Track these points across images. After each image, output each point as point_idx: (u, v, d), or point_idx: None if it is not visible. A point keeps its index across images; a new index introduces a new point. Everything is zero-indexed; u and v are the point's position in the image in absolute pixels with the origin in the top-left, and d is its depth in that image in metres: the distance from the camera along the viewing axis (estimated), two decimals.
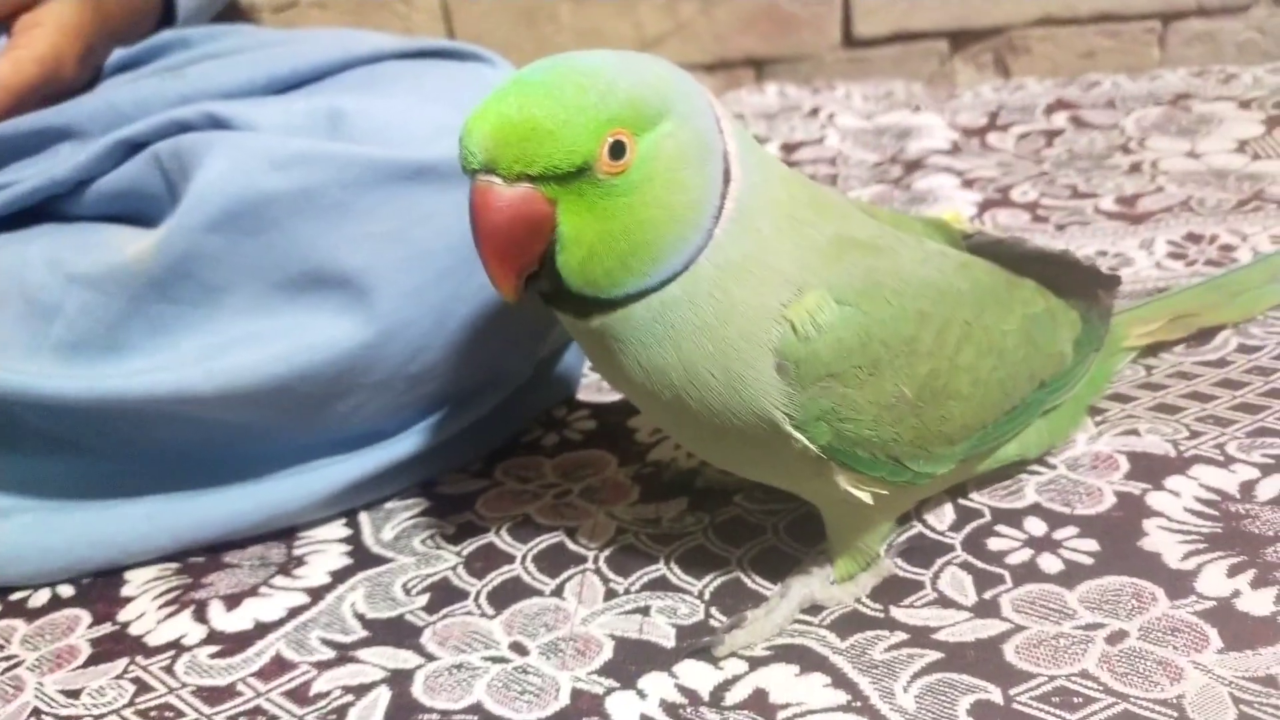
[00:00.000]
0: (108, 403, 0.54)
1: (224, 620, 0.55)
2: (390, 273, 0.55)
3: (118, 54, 0.76)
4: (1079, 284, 0.57)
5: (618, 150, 0.39)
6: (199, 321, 0.55)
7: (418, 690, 0.49)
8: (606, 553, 0.57)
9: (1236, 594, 0.48)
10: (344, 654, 0.52)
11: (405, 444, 0.61)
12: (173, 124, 0.57)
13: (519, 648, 0.51)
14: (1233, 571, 0.49)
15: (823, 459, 0.44)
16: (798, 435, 0.43)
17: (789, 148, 1.08)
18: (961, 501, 0.57)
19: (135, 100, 0.62)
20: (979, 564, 0.52)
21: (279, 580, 0.58)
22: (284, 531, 0.61)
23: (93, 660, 0.54)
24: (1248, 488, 0.54)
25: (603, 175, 0.39)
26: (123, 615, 0.57)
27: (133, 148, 0.59)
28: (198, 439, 0.58)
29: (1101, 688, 0.44)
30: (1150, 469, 0.57)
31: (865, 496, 0.46)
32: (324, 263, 0.55)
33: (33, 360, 0.56)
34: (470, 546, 0.59)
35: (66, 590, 0.59)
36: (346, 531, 0.61)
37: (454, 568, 0.57)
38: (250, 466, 0.59)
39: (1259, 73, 1.07)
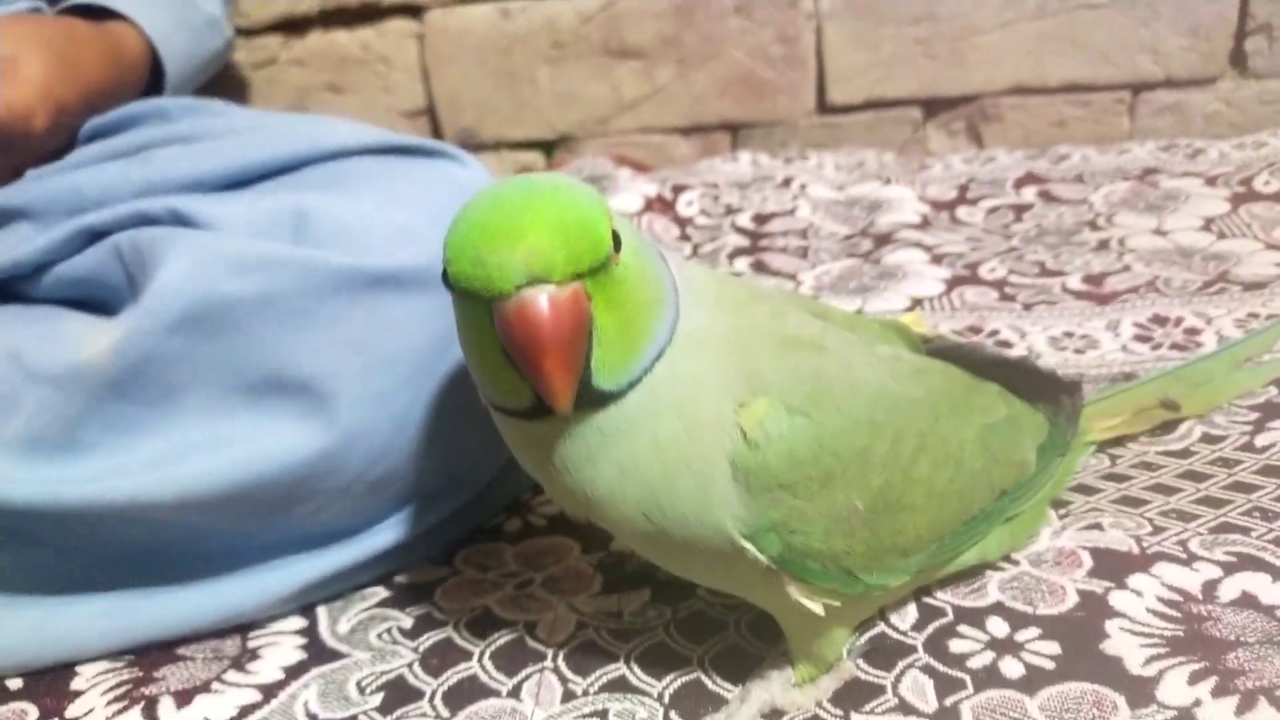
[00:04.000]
0: (63, 507, 0.53)
1: (174, 719, 0.54)
2: (351, 380, 0.55)
3: (94, 120, 0.76)
4: (1042, 388, 0.57)
5: (616, 240, 0.40)
6: (157, 422, 0.55)
7: None
8: (566, 650, 0.56)
9: (1198, 703, 0.47)
10: None
11: (366, 544, 0.60)
12: (135, 216, 0.57)
13: None
14: (1194, 679, 0.48)
15: (773, 569, 0.44)
16: (748, 545, 0.43)
17: (761, 218, 1.08)
18: (924, 599, 0.56)
19: (100, 185, 0.62)
20: (940, 667, 0.51)
21: (232, 675, 0.57)
22: None
23: None
24: (1210, 588, 0.54)
25: (613, 265, 0.40)
26: (71, 711, 0.55)
27: (94, 235, 0.58)
28: (154, 537, 0.57)
29: None
30: (1113, 566, 0.56)
31: (817, 607, 0.46)
32: (284, 368, 0.54)
33: None
34: (427, 641, 0.58)
35: (14, 683, 0.58)
36: (302, 622, 0.60)
37: (410, 665, 0.56)
38: (208, 565, 0.58)
39: (1225, 148, 1.09)
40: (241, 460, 0.54)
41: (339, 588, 0.62)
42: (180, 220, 0.57)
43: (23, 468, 0.54)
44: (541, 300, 0.37)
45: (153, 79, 0.92)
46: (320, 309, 0.54)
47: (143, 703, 0.55)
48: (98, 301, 0.59)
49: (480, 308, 0.39)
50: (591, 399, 0.41)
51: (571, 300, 0.38)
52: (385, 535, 0.61)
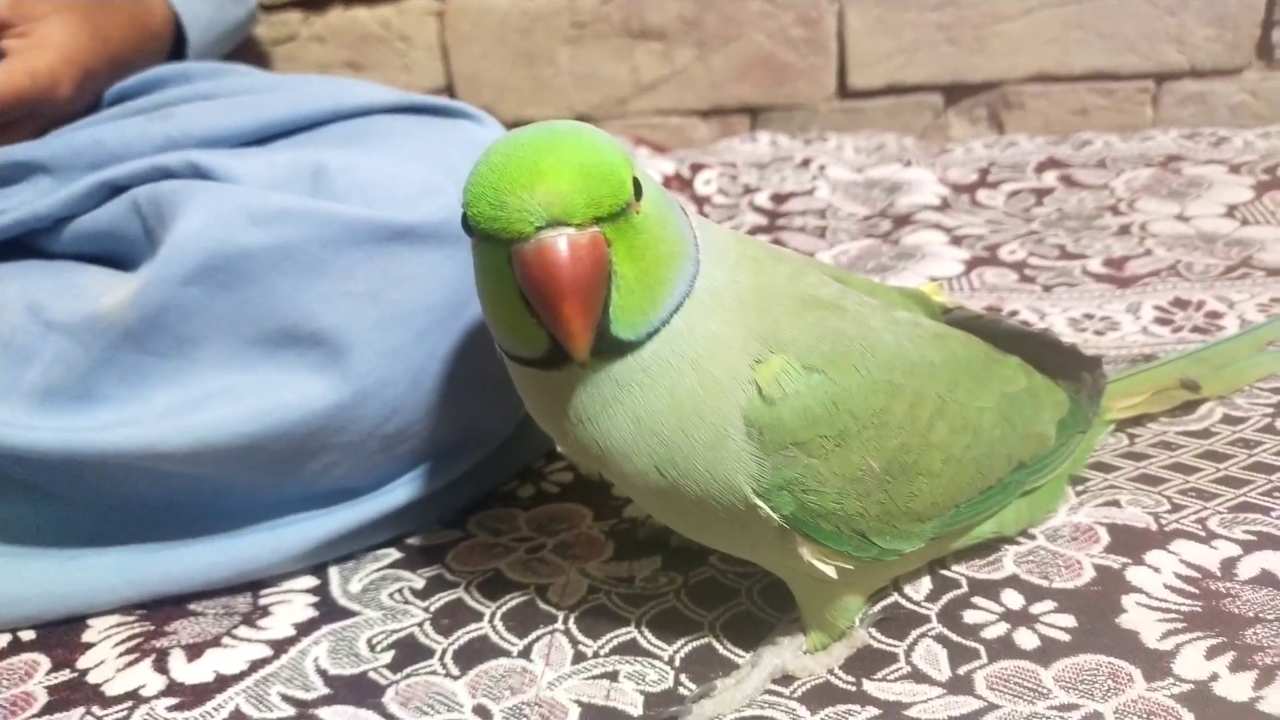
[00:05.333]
0: (77, 454, 0.53)
1: (184, 671, 0.54)
2: (367, 333, 0.55)
3: (118, 85, 0.77)
4: (1063, 364, 0.57)
5: (637, 188, 0.40)
6: (172, 373, 0.54)
7: None
8: (577, 613, 0.56)
9: (1215, 677, 0.47)
10: (304, 712, 0.51)
11: (379, 502, 0.60)
12: (154, 170, 0.57)
13: (482, 711, 0.49)
14: (1211, 653, 0.48)
15: (786, 530, 0.44)
16: (761, 504, 0.43)
17: (779, 198, 1.08)
18: (939, 571, 0.56)
19: (121, 139, 0.62)
20: (954, 637, 0.51)
21: (242, 631, 0.57)
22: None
23: (49, 709, 0.52)
24: (1229, 565, 0.54)
25: (634, 213, 0.40)
26: (82, 662, 0.55)
27: (114, 190, 0.58)
28: (167, 491, 0.57)
29: None
30: (1130, 543, 0.56)
31: (829, 571, 0.45)
32: (300, 320, 0.54)
33: (3, 403, 0.55)
34: (439, 602, 0.58)
35: (27, 634, 0.58)
36: (314, 581, 0.60)
37: (421, 624, 0.56)
38: (220, 521, 0.58)
39: (1249, 137, 1.08)
40: (256, 411, 0.53)
41: (352, 547, 0.61)
42: (199, 174, 0.57)
43: (38, 416, 0.54)
44: (560, 243, 0.37)
45: (175, 48, 0.92)
46: (337, 261, 0.54)
47: (154, 655, 0.55)
48: (116, 256, 0.59)
49: (499, 251, 0.39)
50: (609, 347, 0.41)
51: (591, 244, 0.38)
52: (398, 494, 0.60)
